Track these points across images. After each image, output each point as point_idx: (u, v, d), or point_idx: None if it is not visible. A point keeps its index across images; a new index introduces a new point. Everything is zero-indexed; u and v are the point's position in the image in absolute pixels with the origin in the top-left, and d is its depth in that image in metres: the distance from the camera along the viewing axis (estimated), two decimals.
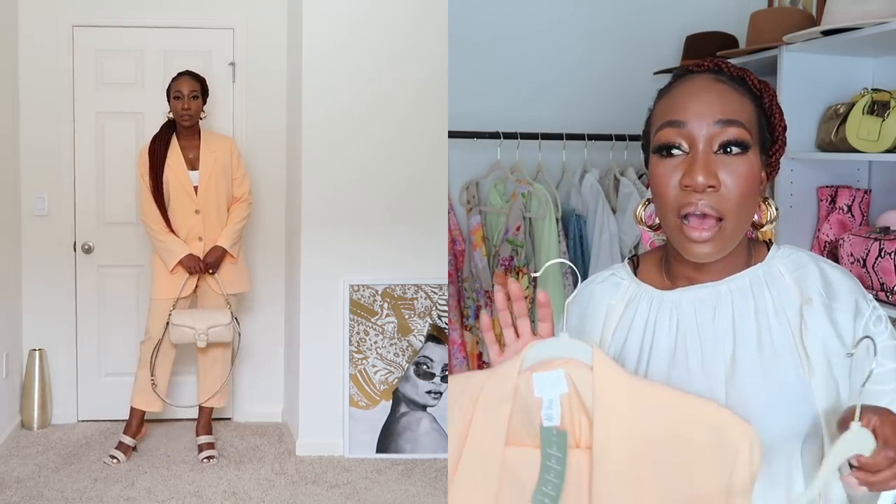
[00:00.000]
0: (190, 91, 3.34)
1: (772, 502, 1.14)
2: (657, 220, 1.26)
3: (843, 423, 1.04)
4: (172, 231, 3.35)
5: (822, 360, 1.14)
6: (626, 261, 1.36)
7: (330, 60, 3.46)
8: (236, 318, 3.40)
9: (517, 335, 1.21)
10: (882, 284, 2.45)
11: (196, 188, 3.36)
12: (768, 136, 1.22)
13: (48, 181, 3.75)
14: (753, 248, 1.27)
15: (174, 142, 3.37)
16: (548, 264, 1.31)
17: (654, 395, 1.08)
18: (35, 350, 3.75)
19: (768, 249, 1.26)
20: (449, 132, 3.22)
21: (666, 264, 1.29)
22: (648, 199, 1.28)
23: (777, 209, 1.27)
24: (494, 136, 3.24)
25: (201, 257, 3.36)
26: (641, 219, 1.32)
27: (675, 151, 1.16)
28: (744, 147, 1.15)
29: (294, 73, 3.67)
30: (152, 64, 3.61)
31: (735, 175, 1.14)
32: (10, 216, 3.68)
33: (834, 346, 1.14)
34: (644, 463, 1.06)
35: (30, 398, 3.73)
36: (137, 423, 3.44)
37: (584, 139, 3.33)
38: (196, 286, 3.41)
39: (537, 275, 1.22)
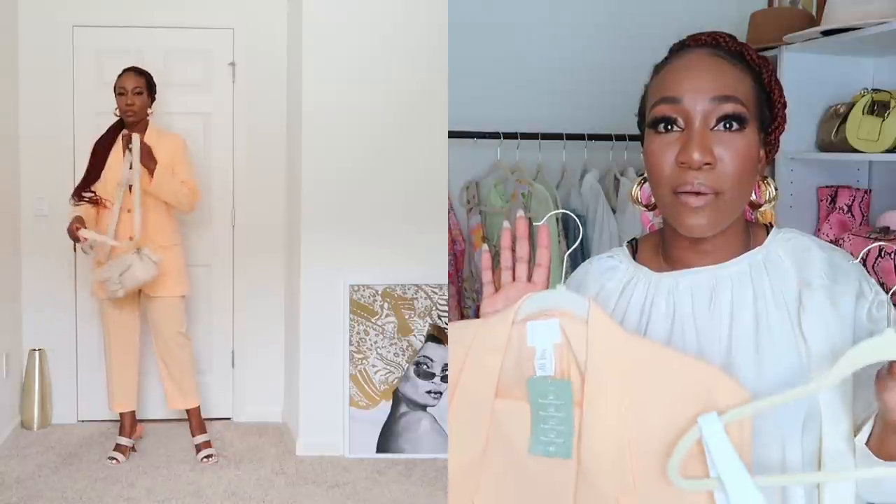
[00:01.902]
0: (133, 87, 3.30)
1: (765, 487, 1.14)
2: (654, 199, 1.24)
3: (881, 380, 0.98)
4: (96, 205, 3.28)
5: (821, 345, 1.12)
6: (625, 244, 1.35)
7: (330, 60, 3.46)
8: (152, 259, 3.19)
9: (513, 278, 1.19)
10: (882, 284, 2.45)
11: (131, 187, 3.28)
12: (767, 112, 1.19)
13: (48, 181, 3.75)
14: (752, 230, 1.25)
15: (118, 140, 3.33)
16: (550, 215, 1.30)
17: (647, 351, 1.06)
18: (35, 350, 3.75)
19: (768, 233, 1.24)
20: (449, 132, 3.22)
21: (663, 247, 1.27)
22: (644, 179, 1.26)
23: (777, 189, 1.24)
24: (494, 136, 3.24)
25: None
26: (637, 198, 1.30)
27: (670, 127, 1.14)
28: (741, 122, 1.12)
29: (294, 74, 3.66)
30: (152, 64, 3.60)
31: (732, 151, 1.12)
32: (10, 216, 3.68)
33: (835, 330, 1.12)
34: (634, 419, 1.05)
35: (30, 398, 3.73)
36: (129, 423, 3.45)
37: (584, 139, 3.32)
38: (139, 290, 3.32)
39: (540, 224, 1.20)
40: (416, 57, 3.46)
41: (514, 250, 1.19)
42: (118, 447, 3.40)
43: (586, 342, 1.08)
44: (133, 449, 3.45)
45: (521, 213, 1.20)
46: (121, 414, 3.45)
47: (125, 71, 3.35)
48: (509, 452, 1.12)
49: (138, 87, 3.32)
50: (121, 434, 3.44)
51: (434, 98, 3.40)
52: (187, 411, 3.48)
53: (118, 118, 3.37)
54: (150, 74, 3.38)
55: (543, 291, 1.14)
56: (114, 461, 3.33)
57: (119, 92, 3.31)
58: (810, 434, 1.13)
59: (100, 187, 3.31)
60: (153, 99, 3.40)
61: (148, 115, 3.39)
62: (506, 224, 1.21)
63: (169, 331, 3.38)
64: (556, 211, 1.20)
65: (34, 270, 3.78)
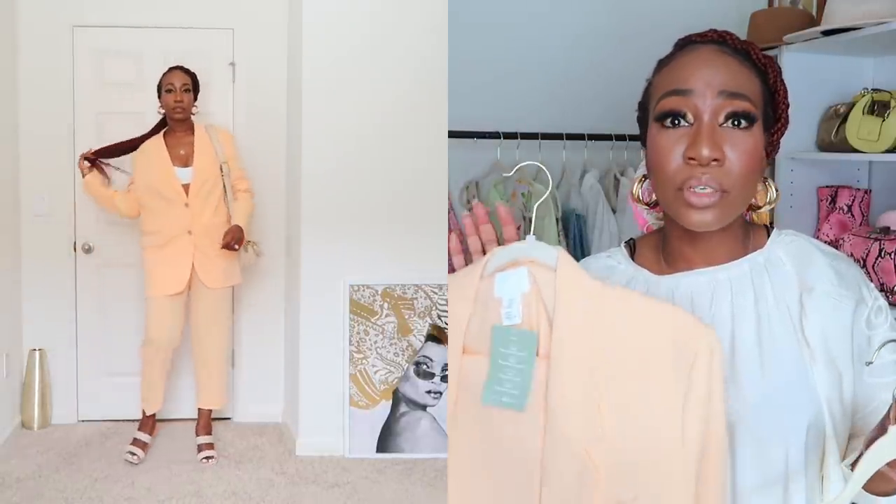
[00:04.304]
0: (182, 84, 3.33)
1: (769, 492, 1.14)
2: (654, 197, 1.23)
3: (882, 429, 0.99)
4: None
5: (823, 349, 1.12)
6: (622, 244, 1.33)
7: (330, 60, 3.46)
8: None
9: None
10: (882, 284, 2.45)
11: (187, 185, 3.31)
12: (771, 113, 1.19)
13: (48, 181, 3.75)
14: (752, 231, 1.24)
15: (161, 141, 3.36)
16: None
17: (615, 299, 1.05)
18: (35, 350, 3.74)
19: (768, 234, 1.23)
20: (449, 132, 3.22)
21: (663, 247, 1.26)
22: (644, 176, 1.25)
23: (777, 191, 1.23)
24: (494, 136, 3.24)
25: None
26: (638, 196, 1.29)
27: (679, 121, 1.13)
28: (750, 120, 1.12)
29: (294, 74, 3.66)
30: (152, 64, 3.61)
31: (740, 150, 1.11)
32: (10, 216, 3.68)
33: (835, 335, 1.13)
34: (602, 367, 1.03)
35: (30, 398, 3.73)
36: (152, 420, 3.46)
37: (584, 139, 3.33)
38: (189, 281, 3.35)
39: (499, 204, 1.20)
40: (416, 57, 3.46)
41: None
42: (138, 442, 3.36)
43: (555, 291, 1.06)
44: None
45: (477, 202, 1.20)
46: (145, 413, 3.45)
47: (172, 69, 3.38)
48: (477, 407, 1.10)
49: (186, 84, 3.35)
50: (142, 430, 3.41)
51: (434, 98, 3.40)
52: (200, 409, 3.49)
53: (161, 116, 3.40)
54: (195, 73, 3.42)
55: (512, 244, 1.11)
56: (134, 457, 3.29)
57: (167, 89, 3.33)
58: (813, 439, 1.13)
59: (152, 182, 3.33)
60: (196, 97, 3.43)
61: (194, 112, 3.42)
62: (464, 214, 1.20)
63: (215, 323, 3.40)
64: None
65: (34, 270, 3.78)
